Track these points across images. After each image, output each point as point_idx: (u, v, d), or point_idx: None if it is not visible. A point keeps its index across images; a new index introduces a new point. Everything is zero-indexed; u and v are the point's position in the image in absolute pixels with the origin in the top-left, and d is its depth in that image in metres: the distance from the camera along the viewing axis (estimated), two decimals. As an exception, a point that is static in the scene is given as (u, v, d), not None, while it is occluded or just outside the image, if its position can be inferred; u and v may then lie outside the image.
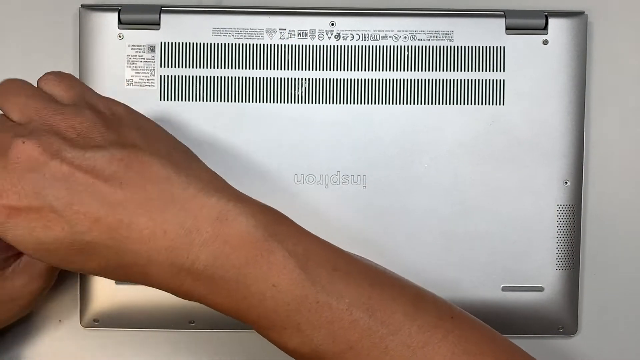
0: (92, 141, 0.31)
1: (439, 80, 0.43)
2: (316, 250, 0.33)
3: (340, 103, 0.43)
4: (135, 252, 0.31)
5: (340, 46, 0.43)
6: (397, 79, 0.43)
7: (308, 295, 0.31)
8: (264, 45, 0.43)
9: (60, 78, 0.35)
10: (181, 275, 0.31)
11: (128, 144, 0.32)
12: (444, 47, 0.43)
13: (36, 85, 0.35)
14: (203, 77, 0.43)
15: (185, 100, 0.43)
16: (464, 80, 0.43)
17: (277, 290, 0.31)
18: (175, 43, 0.43)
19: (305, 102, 0.43)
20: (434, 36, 0.43)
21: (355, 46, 0.43)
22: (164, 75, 0.43)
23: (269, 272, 0.31)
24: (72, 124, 0.32)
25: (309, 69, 0.43)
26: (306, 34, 0.43)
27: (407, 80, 0.43)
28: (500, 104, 0.43)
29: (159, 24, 0.43)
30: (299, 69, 0.43)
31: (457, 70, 0.43)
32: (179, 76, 0.43)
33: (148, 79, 0.43)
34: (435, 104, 0.43)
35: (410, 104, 0.43)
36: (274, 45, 0.43)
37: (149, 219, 0.30)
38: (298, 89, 0.43)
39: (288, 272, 0.31)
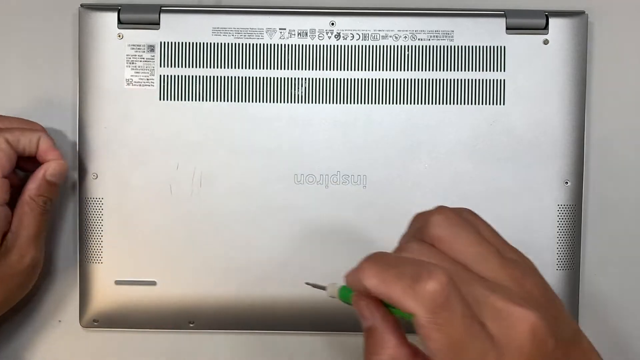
0: (560, 319, 0.30)
1: (439, 80, 0.43)
2: None
3: (340, 103, 0.43)
4: None
5: (340, 46, 0.43)
6: (397, 79, 0.43)
7: None
8: (264, 45, 0.43)
9: (479, 218, 0.32)
10: None
11: (573, 325, 0.31)
12: (444, 47, 0.43)
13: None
14: (203, 77, 0.43)
15: (185, 100, 0.43)
16: (464, 80, 0.43)
17: None
18: (175, 43, 0.43)
19: (305, 102, 0.43)
20: (434, 36, 0.43)
21: (355, 46, 0.43)
22: (164, 75, 0.43)
23: None
24: (541, 292, 0.30)
25: (309, 69, 0.43)
26: (306, 34, 0.43)
27: (407, 80, 0.43)
28: (500, 104, 0.43)
29: (158, 24, 0.43)
30: (299, 69, 0.43)
31: (457, 70, 0.43)
32: (178, 76, 0.43)
33: (148, 79, 0.43)
34: (435, 104, 0.43)
35: (410, 104, 0.43)
36: (274, 45, 0.43)
37: None
38: (298, 89, 0.43)
39: None
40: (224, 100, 0.43)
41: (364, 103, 0.43)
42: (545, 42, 0.43)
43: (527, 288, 0.29)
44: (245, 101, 0.43)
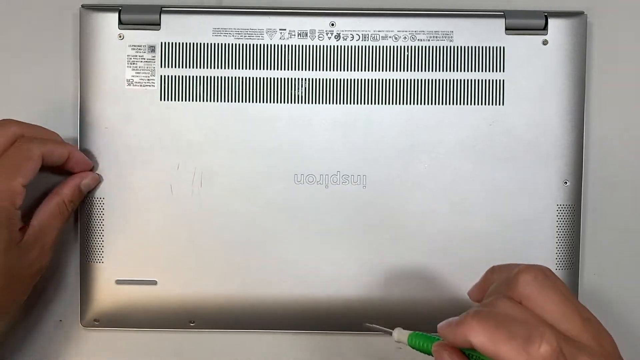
0: None
1: (439, 80, 0.43)
2: None
3: (340, 103, 0.43)
4: None
5: (340, 46, 0.43)
6: (397, 79, 0.43)
7: None
8: (264, 45, 0.43)
9: (558, 280, 0.33)
10: None
11: None
12: (444, 47, 0.43)
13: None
14: (203, 77, 0.43)
15: (186, 100, 0.43)
16: (464, 80, 0.43)
17: None
18: (176, 43, 0.43)
19: (305, 102, 0.43)
20: (434, 36, 0.43)
21: (355, 46, 0.43)
22: (164, 75, 0.43)
23: None
24: (614, 353, 0.32)
25: (309, 69, 0.43)
26: (306, 34, 0.43)
27: (407, 80, 0.43)
28: (500, 104, 0.43)
29: (159, 24, 0.43)
30: (299, 69, 0.43)
31: (457, 70, 0.43)
32: (179, 76, 0.43)
33: (148, 79, 0.43)
34: (435, 104, 0.43)
35: (410, 104, 0.43)
36: (274, 45, 0.43)
37: None
38: (298, 89, 0.43)
39: None
40: (225, 101, 0.43)
41: (364, 103, 0.43)
42: (545, 42, 0.43)
43: (605, 347, 0.31)
44: (246, 101, 0.43)
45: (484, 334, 0.28)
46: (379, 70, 0.43)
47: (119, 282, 0.43)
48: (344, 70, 0.43)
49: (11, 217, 0.38)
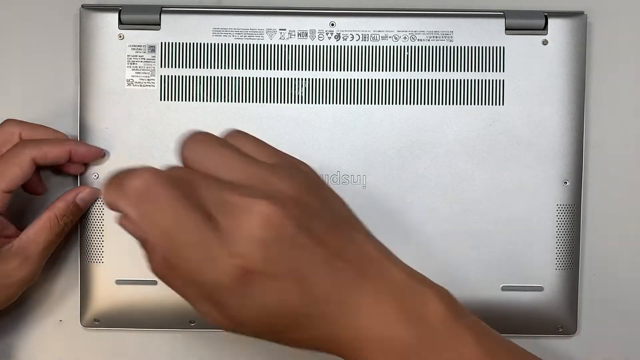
0: (318, 210, 0.31)
1: (439, 80, 0.43)
2: (486, 329, 0.33)
3: (340, 103, 0.43)
4: (357, 327, 0.30)
5: (340, 46, 0.43)
6: (397, 79, 0.43)
7: None
8: (264, 45, 0.43)
9: (246, 135, 0.33)
10: (389, 353, 0.31)
11: (345, 218, 0.32)
12: (444, 47, 0.43)
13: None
14: (203, 77, 0.43)
15: (186, 100, 0.43)
16: (464, 80, 0.43)
17: None
18: (176, 43, 0.43)
19: (305, 102, 0.43)
20: (434, 36, 0.43)
21: (355, 46, 0.43)
22: (164, 75, 0.43)
23: (457, 353, 0.31)
24: (292, 186, 0.31)
25: (309, 69, 0.43)
26: (306, 34, 0.43)
27: (407, 80, 0.43)
28: (500, 104, 0.43)
29: (159, 24, 0.43)
30: (299, 69, 0.43)
31: (457, 70, 0.43)
32: (179, 76, 0.43)
33: (148, 79, 0.43)
34: (435, 104, 0.43)
35: (410, 104, 0.43)
36: (274, 45, 0.43)
37: (374, 298, 0.30)
38: (298, 89, 0.43)
39: (470, 349, 0.31)
40: (225, 101, 0.43)
41: (364, 103, 0.43)
42: (545, 42, 0.43)
43: (274, 185, 0.30)
44: (246, 101, 0.43)
45: (104, 191, 0.30)
46: (379, 70, 0.43)
47: (119, 282, 0.43)
48: (344, 70, 0.43)
49: None
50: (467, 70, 0.43)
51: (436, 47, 0.43)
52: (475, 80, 0.43)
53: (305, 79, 0.43)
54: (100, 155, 0.42)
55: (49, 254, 0.41)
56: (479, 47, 0.43)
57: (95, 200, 0.43)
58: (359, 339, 0.30)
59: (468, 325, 0.32)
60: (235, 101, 0.43)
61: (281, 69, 0.43)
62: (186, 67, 0.43)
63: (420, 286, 0.32)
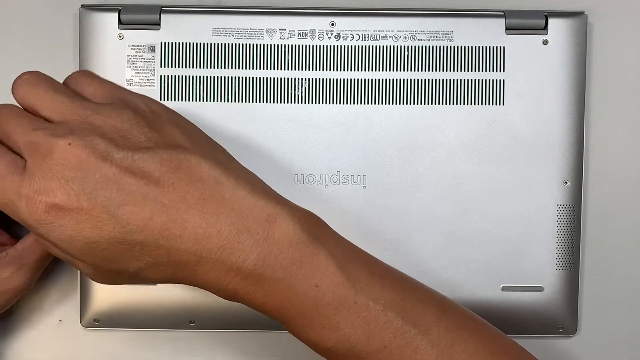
0: (137, 142, 0.32)
1: (439, 80, 0.43)
2: (353, 254, 0.34)
3: (340, 103, 0.43)
4: (187, 251, 0.31)
5: (340, 46, 0.43)
6: (397, 79, 0.43)
7: (348, 296, 0.32)
8: (264, 45, 0.43)
9: (90, 77, 0.35)
10: (230, 275, 0.32)
11: (174, 145, 0.33)
12: (444, 47, 0.43)
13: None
14: (203, 77, 0.43)
15: (185, 100, 0.43)
16: (464, 80, 0.43)
17: (319, 291, 0.32)
18: (175, 43, 0.43)
19: (305, 102, 0.43)
20: (434, 36, 0.43)
21: (355, 46, 0.43)
22: (164, 75, 0.43)
23: (313, 273, 0.32)
24: (113, 123, 0.32)
25: (309, 69, 0.43)
26: (306, 34, 0.43)
27: (407, 80, 0.43)
28: (500, 104, 0.43)
29: (159, 24, 0.43)
30: (299, 69, 0.43)
31: (457, 70, 0.43)
32: (179, 76, 0.43)
33: (148, 79, 0.43)
34: (435, 104, 0.43)
35: (410, 104, 0.43)
36: (274, 45, 0.43)
37: (202, 219, 0.31)
38: (298, 89, 0.43)
39: (330, 273, 0.32)
40: (225, 101, 0.43)
41: (364, 103, 0.43)
42: (545, 42, 0.43)
43: (92, 124, 0.32)
44: (246, 101, 0.43)
45: None
46: (379, 70, 0.43)
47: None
48: (344, 70, 0.43)
49: None
50: (467, 70, 0.43)
51: (436, 47, 0.43)
52: (475, 80, 0.43)
53: (305, 79, 0.43)
54: None
55: (45, 264, 0.40)
56: (479, 47, 0.43)
57: None
58: (197, 262, 0.31)
59: (327, 249, 0.32)
60: (235, 101, 0.43)
61: (281, 69, 0.43)
62: (186, 67, 0.43)
63: (271, 208, 0.32)
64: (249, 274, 0.31)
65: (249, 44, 0.43)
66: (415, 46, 0.43)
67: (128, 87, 0.43)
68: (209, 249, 0.31)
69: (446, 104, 0.43)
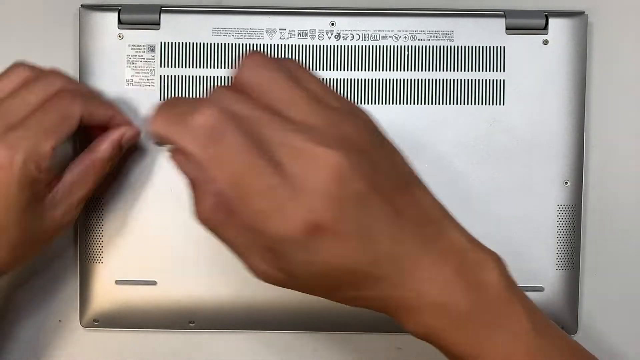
0: (385, 165, 0.29)
1: (439, 80, 0.43)
2: (540, 312, 0.32)
3: (340, 103, 0.43)
4: (415, 290, 0.29)
5: (340, 46, 0.43)
6: (397, 79, 0.43)
7: (534, 344, 0.30)
8: (264, 45, 0.43)
9: (307, 71, 0.31)
10: (442, 317, 0.29)
11: (407, 173, 0.31)
12: (444, 47, 0.43)
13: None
14: (203, 77, 0.43)
15: (185, 100, 0.43)
16: (464, 80, 0.43)
17: (516, 340, 0.30)
18: (175, 43, 0.43)
19: (305, 102, 0.43)
20: (434, 36, 0.43)
21: (355, 46, 0.43)
22: (164, 75, 0.43)
23: (509, 325, 0.30)
24: (362, 137, 0.29)
25: (308, 69, 0.43)
26: (306, 34, 0.43)
27: (407, 80, 0.43)
28: (500, 104, 0.43)
29: (158, 24, 0.43)
30: (299, 69, 0.43)
31: (457, 70, 0.43)
32: (179, 76, 0.43)
33: (148, 79, 0.43)
34: (435, 104, 0.43)
35: (410, 104, 0.43)
36: (274, 45, 0.43)
37: (434, 262, 0.29)
38: (298, 89, 0.43)
39: (523, 320, 0.30)
40: (224, 101, 0.43)
41: (364, 103, 0.43)
42: (545, 42, 0.43)
43: (343, 131, 0.28)
44: (246, 101, 0.43)
45: (158, 120, 0.27)
46: (379, 70, 0.43)
47: (118, 282, 0.43)
48: (344, 70, 0.43)
49: (34, 181, 0.35)
50: (467, 70, 0.43)
51: (436, 46, 0.43)
52: (475, 80, 0.43)
53: (305, 78, 0.43)
54: (137, 134, 0.40)
55: (87, 199, 0.39)
56: (479, 47, 0.43)
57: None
58: (414, 301, 0.29)
59: (520, 298, 0.30)
60: (235, 101, 0.43)
61: (281, 69, 0.43)
62: (186, 66, 0.43)
63: (479, 252, 0.30)
64: (457, 318, 0.29)
65: (249, 44, 0.43)
66: (415, 46, 0.43)
67: (128, 87, 0.43)
68: (430, 290, 0.29)
69: (446, 104, 0.43)
